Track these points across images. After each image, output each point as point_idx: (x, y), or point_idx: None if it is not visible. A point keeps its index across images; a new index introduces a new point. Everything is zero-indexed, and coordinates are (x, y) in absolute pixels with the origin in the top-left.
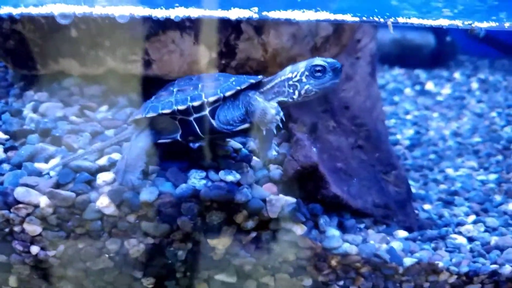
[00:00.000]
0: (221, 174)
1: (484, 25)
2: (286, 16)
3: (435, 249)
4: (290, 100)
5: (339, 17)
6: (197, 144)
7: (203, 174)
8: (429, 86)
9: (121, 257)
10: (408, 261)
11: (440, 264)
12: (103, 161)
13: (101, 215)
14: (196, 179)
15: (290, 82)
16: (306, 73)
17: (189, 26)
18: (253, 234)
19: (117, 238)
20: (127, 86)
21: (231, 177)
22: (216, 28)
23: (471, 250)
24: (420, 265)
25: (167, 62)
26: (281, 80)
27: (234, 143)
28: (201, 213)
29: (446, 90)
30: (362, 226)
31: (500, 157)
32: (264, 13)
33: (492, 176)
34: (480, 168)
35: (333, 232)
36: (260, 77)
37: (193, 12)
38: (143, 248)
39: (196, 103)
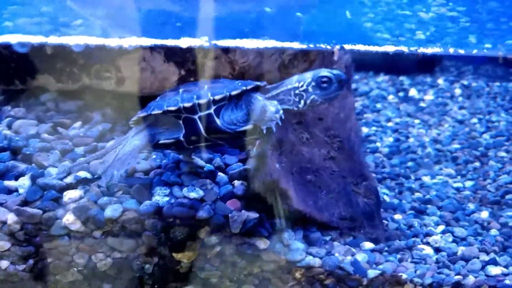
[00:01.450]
0: (185, 191)
1: (429, 50)
2: (235, 45)
3: (400, 260)
4: (295, 108)
5: (287, 45)
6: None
7: (167, 191)
8: (413, 92)
9: (89, 270)
10: (372, 273)
11: (404, 276)
12: (69, 179)
13: (68, 231)
14: (160, 196)
15: (297, 92)
16: (313, 83)
17: (159, 45)
18: (218, 249)
19: (84, 253)
20: (101, 102)
21: (194, 194)
22: (185, 47)
23: (437, 261)
24: (384, 277)
25: (139, 79)
26: (287, 89)
27: (198, 160)
28: (165, 229)
29: (429, 96)
30: (328, 238)
31: (477, 164)
32: (214, 41)
33: (469, 183)
34: (458, 175)
35: (298, 245)
36: (264, 82)
37: (145, 41)
38: (110, 262)
39: (202, 101)
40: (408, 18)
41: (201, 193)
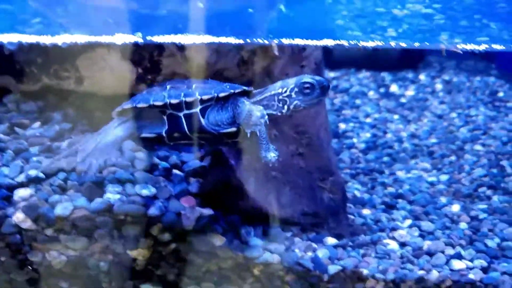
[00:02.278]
0: (137, 188)
1: (371, 44)
2: (171, 40)
3: (364, 255)
4: (279, 113)
5: (223, 39)
6: None
7: (120, 188)
8: (394, 88)
9: (44, 268)
10: (332, 268)
11: (365, 272)
12: (21, 178)
13: (19, 229)
14: (112, 194)
15: (280, 97)
16: (296, 89)
17: (116, 43)
18: (173, 245)
19: (38, 251)
20: (63, 103)
21: (146, 191)
22: (139, 44)
23: (401, 256)
24: (345, 272)
25: (98, 79)
26: (271, 95)
27: (153, 158)
28: (117, 227)
29: (410, 92)
30: (289, 234)
31: (453, 158)
32: (149, 37)
33: (444, 177)
34: (433, 169)
35: (256, 241)
36: (251, 88)
37: (80, 39)
38: (65, 260)
39: (189, 99)
40: (381, 15)
41: (153, 190)
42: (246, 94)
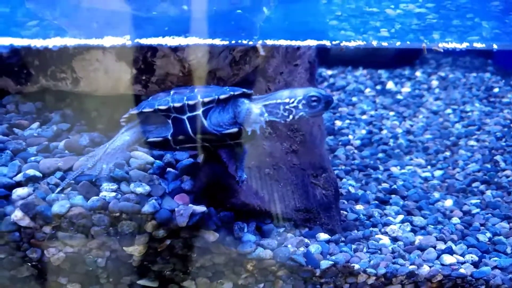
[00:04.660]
0: (132, 186)
1: (352, 44)
2: (158, 42)
3: (355, 250)
4: (282, 121)
5: (209, 41)
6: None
7: (115, 186)
8: (390, 85)
9: (43, 265)
10: (324, 263)
11: (356, 266)
12: (19, 177)
13: (18, 227)
14: (107, 192)
15: (287, 107)
16: (303, 101)
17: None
18: (168, 242)
19: (37, 248)
20: (61, 103)
21: (141, 189)
22: (133, 46)
23: (393, 251)
24: (337, 267)
25: (93, 79)
26: (276, 103)
27: (147, 157)
28: (112, 224)
29: (406, 88)
30: (281, 230)
31: (448, 153)
32: (137, 40)
33: (438, 173)
34: (428, 165)
35: (249, 237)
36: (251, 91)
37: (70, 42)
38: (63, 256)
39: (191, 102)
40: (374, 15)
41: (148, 188)
42: (246, 96)
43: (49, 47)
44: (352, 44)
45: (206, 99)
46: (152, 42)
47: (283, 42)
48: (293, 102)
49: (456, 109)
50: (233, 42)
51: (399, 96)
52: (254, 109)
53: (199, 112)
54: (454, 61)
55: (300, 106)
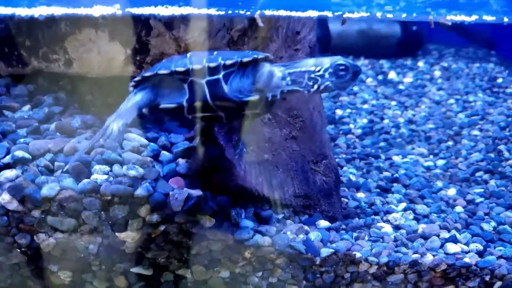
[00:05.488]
0: (125, 169)
1: (355, 15)
2: (150, 12)
3: (357, 238)
4: (306, 91)
5: (204, 11)
6: None
7: (107, 169)
8: (392, 75)
9: (33, 251)
10: (324, 251)
11: (358, 255)
12: (7, 159)
13: (6, 210)
14: (99, 174)
15: (312, 75)
16: (330, 70)
17: (103, 24)
18: (162, 227)
19: (26, 233)
20: (54, 86)
21: (134, 171)
22: (127, 24)
23: (395, 239)
24: (337, 255)
25: (86, 60)
26: (301, 71)
27: (141, 139)
28: (104, 208)
29: (408, 78)
30: (280, 217)
31: (450, 143)
32: (127, 9)
33: (440, 162)
34: (430, 154)
35: (246, 223)
36: (272, 57)
37: (57, 11)
38: (53, 242)
39: (212, 64)
40: None
41: (141, 170)
42: (268, 61)
43: (34, 17)
44: (355, 15)
45: (228, 62)
46: (143, 12)
47: (283, 13)
48: (319, 71)
49: (459, 99)
50: (229, 12)
51: (401, 86)
52: (277, 72)
53: (220, 76)
54: (457, 51)
55: (327, 75)
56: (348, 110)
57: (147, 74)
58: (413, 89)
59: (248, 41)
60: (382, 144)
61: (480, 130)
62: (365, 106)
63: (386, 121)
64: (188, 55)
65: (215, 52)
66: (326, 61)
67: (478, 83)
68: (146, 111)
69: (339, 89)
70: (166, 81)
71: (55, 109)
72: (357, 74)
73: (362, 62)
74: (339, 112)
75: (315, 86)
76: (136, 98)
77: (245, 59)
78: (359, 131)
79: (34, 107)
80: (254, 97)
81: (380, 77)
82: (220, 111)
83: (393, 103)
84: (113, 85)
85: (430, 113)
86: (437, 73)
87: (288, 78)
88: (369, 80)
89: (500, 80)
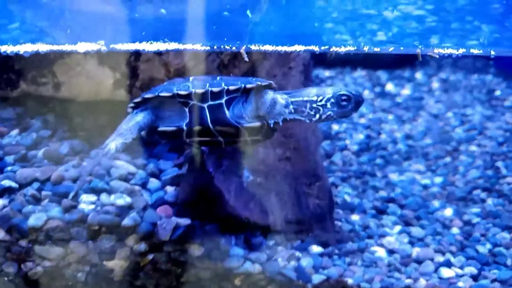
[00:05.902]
0: (112, 198)
1: (342, 49)
2: (135, 48)
3: (350, 264)
4: (308, 121)
5: (189, 46)
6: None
7: (95, 198)
8: (389, 87)
9: (20, 279)
10: (316, 278)
11: (350, 281)
12: None
13: None
14: (86, 204)
15: (314, 105)
16: (332, 100)
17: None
18: (150, 256)
19: (13, 262)
20: (43, 109)
21: (121, 201)
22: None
23: (389, 264)
24: (329, 282)
25: (75, 84)
26: (303, 100)
27: (129, 166)
28: (92, 237)
29: (406, 90)
30: (271, 243)
31: (448, 159)
32: (112, 45)
33: (438, 179)
34: (427, 171)
35: (236, 251)
36: (274, 84)
37: (42, 47)
38: (41, 271)
39: (215, 89)
40: (372, 18)
41: (129, 200)
42: (271, 88)
43: (20, 53)
44: (342, 49)
45: (232, 87)
46: (128, 48)
47: (268, 48)
48: (321, 101)
49: (456, 112)
50: (215, 47)
51: (398, 99)
52: (280, 99)
53: (222, 101)
54: (455, 62)
55: (329, 105)
56: (345, 125)
57: (148, 95)
58: (411, 102)
59: (238, 64)
60: (378, 161)
61: (478, 145)
62: (362, 120)
63: (383, 136)
64: (191, 78)
65: (218, 77)
66: (329, 91)
67: (476, 95)
68: (144, 134)
69: (340, 117)
70: (166, 103)
71: (44, 133)
72: (359, 104)
73: (359, 74)
74: (335, 127)
75: (317, 116)
76: (137, 119)
77: (249, 86)
78: (355, 147)
79: (23, 131)
80: (256, 124)
81: (377, 89)
82: (220, 136)
83: (390, 116)
84: (102, 109)
85: (428, 128)
86: (435, 85)
87: (291, 107)
88: (366, 92)
89: (498, 93)
